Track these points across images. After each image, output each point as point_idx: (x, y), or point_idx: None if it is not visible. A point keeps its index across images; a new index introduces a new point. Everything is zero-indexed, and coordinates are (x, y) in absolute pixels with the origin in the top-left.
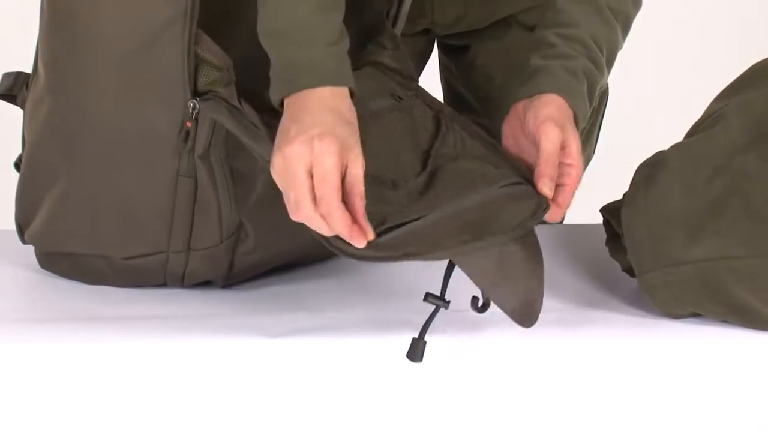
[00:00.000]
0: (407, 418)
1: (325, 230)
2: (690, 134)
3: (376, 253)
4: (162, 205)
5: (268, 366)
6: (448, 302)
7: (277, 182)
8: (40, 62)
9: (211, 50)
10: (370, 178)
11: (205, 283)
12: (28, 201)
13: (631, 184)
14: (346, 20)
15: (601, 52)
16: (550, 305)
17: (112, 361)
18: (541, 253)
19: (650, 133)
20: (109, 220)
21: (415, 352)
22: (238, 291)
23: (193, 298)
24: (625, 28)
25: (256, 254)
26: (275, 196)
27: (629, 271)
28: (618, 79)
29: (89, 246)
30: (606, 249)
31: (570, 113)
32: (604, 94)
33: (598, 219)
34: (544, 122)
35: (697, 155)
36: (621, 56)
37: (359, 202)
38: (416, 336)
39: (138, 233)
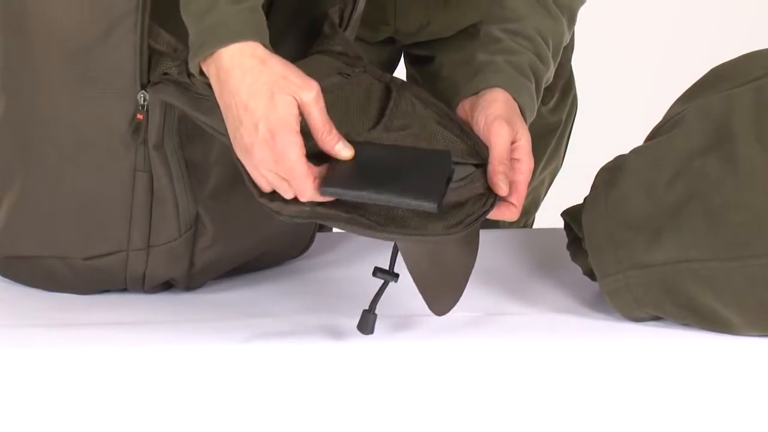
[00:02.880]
0: (373, 423)
1: (287, 192)
2: (650, 138)
3: (327, 210)
4: (120, 202)
5: (233, 372)
6: (397, 275)
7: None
8: None
9: (165, 41)
10: (305, 134)
11: (168, 288)
12: None
13: (592, 188)
14: (293, 21)
15: (547, 45)
16: (511, 308)
17: (74, 367)
18: (476, 247)
19: (610, 137)
20: (67, 219)
21: (366, 324)
22: (201, 295)
23: (156, 304)
24: (571, 21)
25: (215, 248)
26: (231, 187)
27: (590, 274)
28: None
29: (48, 247)
30: (567, 253)
31: (517, 109)
32: (572, 112)
33: (560, 223)
34: (494, 121)
35: (657, 159)
36: (580, 63)
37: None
38: (366, 309)
39: (97, 232)
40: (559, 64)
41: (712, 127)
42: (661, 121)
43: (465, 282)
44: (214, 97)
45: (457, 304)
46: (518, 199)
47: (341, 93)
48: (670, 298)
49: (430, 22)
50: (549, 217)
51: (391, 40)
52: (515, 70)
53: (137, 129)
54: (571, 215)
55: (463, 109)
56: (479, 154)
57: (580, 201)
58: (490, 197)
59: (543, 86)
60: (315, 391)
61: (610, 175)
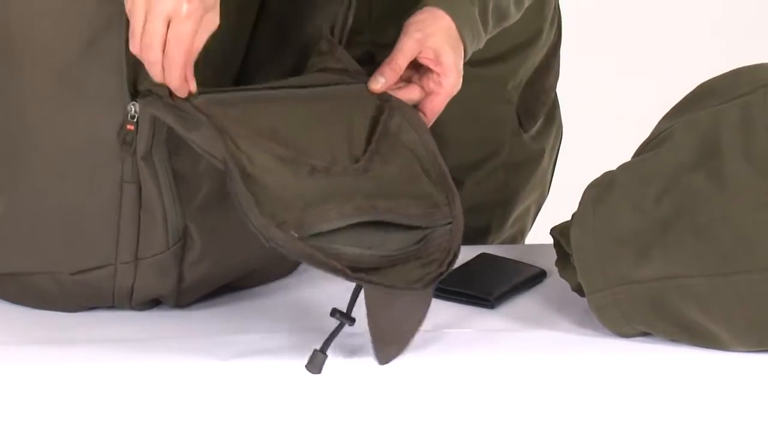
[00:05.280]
0: None
1: (158, 75)
2: (638, 154)
3: (304, 247)
4: (108, 214)
5: (220, 389)
6: (354, 320)
7: (132, 15)
8: None
9: None
10: (286, 161)
11: (156, 305)
12: None
13: (580, 204)
14: (283, 37)
15: None
16: (500, 325)
17: (61, 385)
18: (428, 305)
19: (598, 152)
20: (54, 233)
21: (314, 363)
22: (189, 312)
23: (143, 321)
24: None
25: (204, 264)
26: (220, 200)
27: (579, 290)
28: (567, 102)
29: (36, 263)
30: (556, 269)
31: (455, 33)
32: (556, 141)
33: (548, 239)
34: (409, 26)
35: (645, 174)
36: (568, 75)
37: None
38: (317, 348)
39: (85, 245)
40: (542, 91)
41: (700, 142)
42: (648, 137)
43: (412, 336)
44: (198, 115)
45: (447, 319)
46: (432, 109)
47: (331, 104)
48: (659, 314)
49: None
50: (538, 233)
51: (370, 56)
52: None
53: (127, 140)
54: (560, 231)
55: (405, 29)
56: (450, 210)
57: (569, 218)
58: (448, 257)
59: (491, 15)
60: (304, 408)
61: (598, 191)
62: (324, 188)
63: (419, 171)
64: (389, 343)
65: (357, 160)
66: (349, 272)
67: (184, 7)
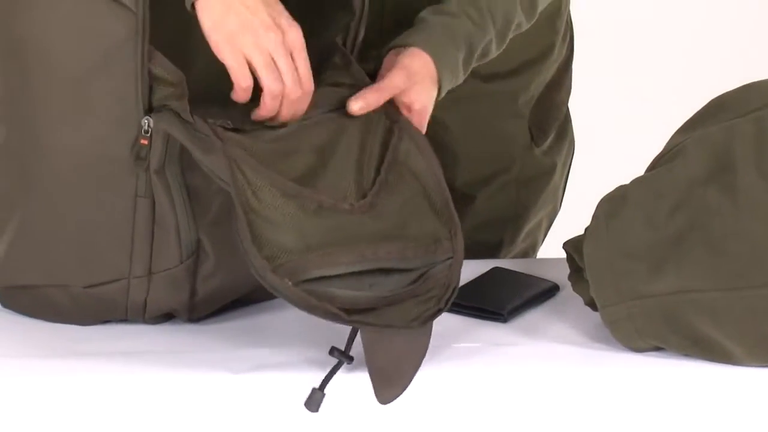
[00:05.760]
0: None
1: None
2: (651, 168)
3: (300, 294)
4: (121, 228)
5: (231, 402)
6: (352, 358)
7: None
8: None
9: (164, 66)
10: (293, 196)
11: (169, 319)
12: None
13: (593, 219)
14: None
15: (494, 21)
16: (512, 339)
17: (75, 397)
18: (427, 342)
19: (610, 167)
20: (68, 247)
21: (312, 401)
22: (201, 326)
23: (155, 334)
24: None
25: (217, 277)
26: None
27: (592, 304)
28: (579, 116)
29: (49, 276)
30: (569, 283)
31: (436, 78)
32: (568, 156)
33: (561, 253)
34: (393, 65)
35: (657, 189)
36: (580, 91)
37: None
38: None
39: (98, 259)
40: (554, 106)
41: (713, 157)
42: (662, 152)
43: (413, 375)
44: (214, 139)
45: (458, 333)
46: None
47: (340, 126)
48: (672, 329)
49: None
50: (550, 247)
51: None
52: (447, 37)
53: (140, 154)
54: (573, 245)
55: (386, 63)
56: (451, 245)
57: (581, 232)
58: (447, 293)
59: (478, 57)
60: (314, 423)
61: (611, 206)
62: (329, 229)
63: (425, 203)
64: (389, 383)
65: (365, 195)
66: (343, 315)
67: (283, 21)
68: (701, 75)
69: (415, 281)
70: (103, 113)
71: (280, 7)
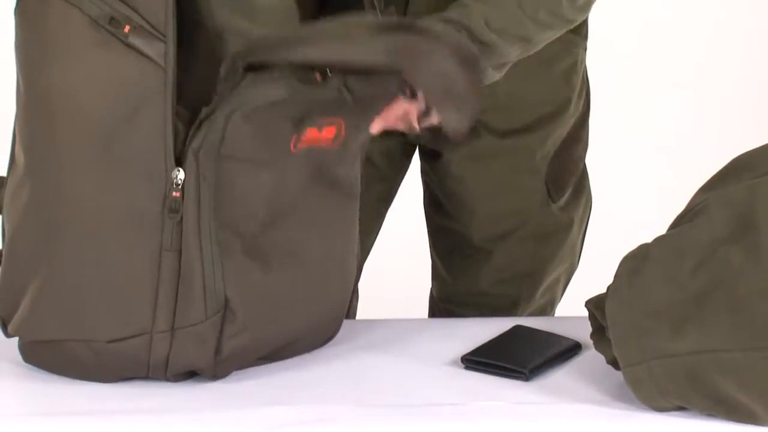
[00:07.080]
0: None
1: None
2: (673, 226)
3: None
4: (145, 282)
5: None
6: None
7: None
8: (18, 147)
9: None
10: None
11: (192, 377)
12: (10, 293)
13: (615, 277)
14: None
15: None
16: (533, 398)
17: None
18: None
19: (629, 225)
20: (91, 301)
21: None
22: (222, 383)
23: (177, 391)
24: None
25: (244, 336)
26: (264, 272)
27: (614, 363)
28: (596, 172)
29: (72, 330)
30: (591, 341)
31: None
32: (585, 211)
33: (579, 311)
34: None
35: (680, 247)
36: (598, 147)
37: None
38: None
39: (121, 313)
40: (571, 162)
41: (735, 216)
42: (683, 210)
43: (471, 96)
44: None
45: (481, 391)
46: None
47: None
48: (695, 389)
49: None
50: (569, 304)
51: (402, 134)
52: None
53: (173, 207)
54: (595, 304)
55: None
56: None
57: (600, 289)
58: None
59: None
60: None
61: (634, 264)
62: None
63: None
64: (449, 105)
65: None
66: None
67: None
68: (722, 133)
69: None
70: (128, 167)
71: None
